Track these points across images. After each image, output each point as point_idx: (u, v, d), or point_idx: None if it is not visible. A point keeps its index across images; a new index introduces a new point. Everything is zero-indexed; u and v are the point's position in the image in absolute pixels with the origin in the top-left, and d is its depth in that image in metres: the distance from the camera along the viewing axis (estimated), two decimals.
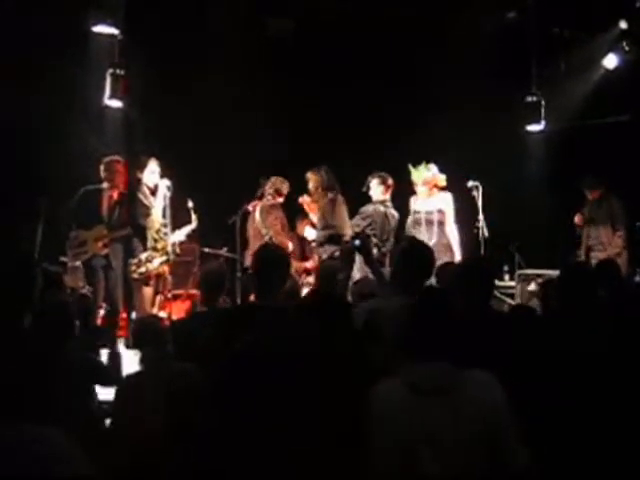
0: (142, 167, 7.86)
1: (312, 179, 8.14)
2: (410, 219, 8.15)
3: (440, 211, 8.07)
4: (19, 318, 3.85)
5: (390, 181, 8.32)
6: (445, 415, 2.97)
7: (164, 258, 7.68)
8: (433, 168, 8.15)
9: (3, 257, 4.71)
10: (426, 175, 8.10)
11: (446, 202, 8.13)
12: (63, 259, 8.20)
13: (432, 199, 8.12)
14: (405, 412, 3.00)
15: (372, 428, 3.05)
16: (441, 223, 8.05)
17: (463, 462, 2.93)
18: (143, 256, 7.68)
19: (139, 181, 7.85)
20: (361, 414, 3.10)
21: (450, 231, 8.10)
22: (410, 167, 8.13)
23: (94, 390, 4.39)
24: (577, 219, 9.18)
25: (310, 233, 8.58)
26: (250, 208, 8.59)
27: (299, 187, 8.63)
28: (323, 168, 8.09)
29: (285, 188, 8.55)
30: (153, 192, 7.90)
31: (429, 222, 8.00)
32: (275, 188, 8.47)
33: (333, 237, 7.83)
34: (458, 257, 7.88)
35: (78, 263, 7.69)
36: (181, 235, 7.99)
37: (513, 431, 2.98)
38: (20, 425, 2.50)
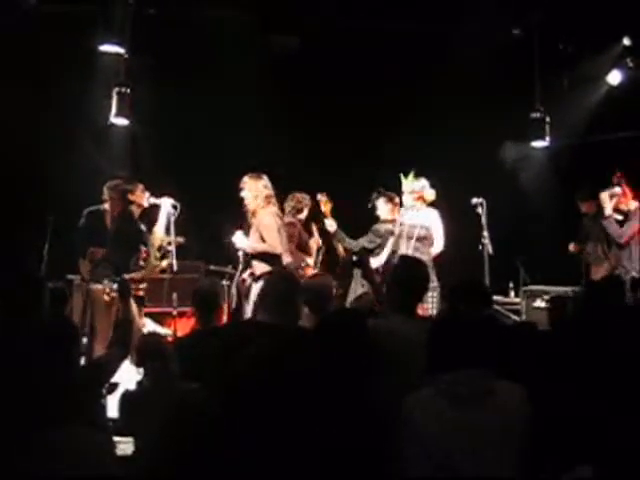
0: (132, 190, 7.78)
1: None
2: (396, 232, 8.03)
3: (423, 227, 7.86)
4: (26, 332, 3.87)
5: (397, 199, 8.34)
6: (476, 422, 3.04)
7: (141, 285, 7.58)
8: (423, 181, 8.06)
9: (11, 274, 4.76)
10: (414, 185, 8.01)
11: (432, 219, 7.96)
12: (70, 277, 8.24)
13: (418, 214, 7.97)
14: (437, 418, 3.07)
15: (404, 434, 3.11)
16: (423, 239, 7.84)
17: (493, 468, 3.00)
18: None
19: (131, 202, 7.80)
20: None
21: (436, 247, 7.98)
22: (401, 176, 8.05)
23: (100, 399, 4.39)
24: (572, 247, 9.11)
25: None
26: None
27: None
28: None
29: (304, 206, 8.45)
30: (144, 211, 7.85)
31: (409, 236, 7.85)
32: (297, 207, 8.42)
33: None
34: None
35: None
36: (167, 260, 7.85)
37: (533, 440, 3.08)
38: (66, 429, 2.58)
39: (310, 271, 8.02)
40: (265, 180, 7.56)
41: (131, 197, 7.69)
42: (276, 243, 7.33)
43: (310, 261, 8.37)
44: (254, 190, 7.49)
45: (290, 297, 4.54)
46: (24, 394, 2.74)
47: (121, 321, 4.60)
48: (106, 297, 7.23)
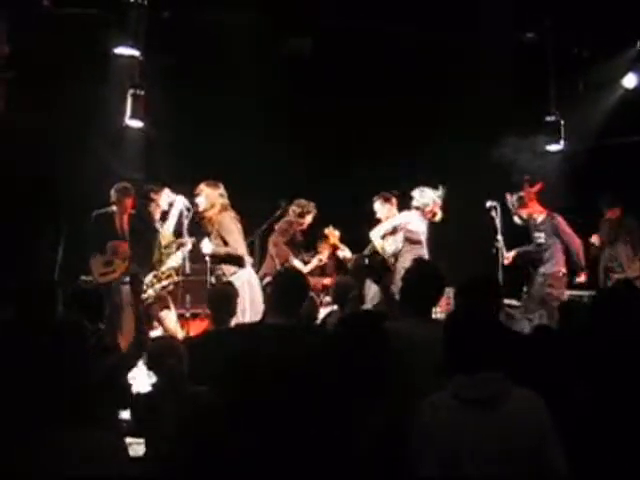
0: (157, 191, 7.95)
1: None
2: (402, 234, 8.11)
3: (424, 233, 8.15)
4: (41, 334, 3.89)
5: (394, 199, 8.43)
6: (489, 426, 3.01)
7: (166, 282, 7.71)
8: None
9: (24, 277, 4.79)
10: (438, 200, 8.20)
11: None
12: (83, 278, 8.27)
13: (424, 222, 8.19)
14: (450, 420, 3.04)
15: (415, 436, 3.09)
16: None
17: (503, 473, 2.97)
18: (147, 280, 7.69)
19: (152, 200, 7.93)
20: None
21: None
22: (441, 186, 8.19)
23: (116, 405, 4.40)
24: (594, 239, 9.08)
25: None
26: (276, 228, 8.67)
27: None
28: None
29: (306, 212, 8.61)
30: (165, 214, 8.00)
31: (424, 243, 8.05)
32: (297, 212, 8.58)
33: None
34: None
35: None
36: (177, 259, 7.93)
37: (555, 448, 3.03)
38: (77, 429, 2.59)
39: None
40: (221, 189, 7.82)
41: (154, 196, 7.84)
42: (238, 245, 7.67)
43: (297, 262, 8.48)
44: (211, 198, 7.73)
45: (299, 295, 4.59)
46: (29, 393, 2.74)
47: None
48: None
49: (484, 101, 9.09)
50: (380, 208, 8.53)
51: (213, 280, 7.69)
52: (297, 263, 8.42)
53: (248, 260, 7.83)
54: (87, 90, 8.48)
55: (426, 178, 8.43)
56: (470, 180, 8.84)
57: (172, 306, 7.84)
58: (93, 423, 2.81)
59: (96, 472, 2.65)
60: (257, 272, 8.55)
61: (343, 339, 3.62)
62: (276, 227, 8.59)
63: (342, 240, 8.75)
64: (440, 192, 8.16)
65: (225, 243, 7.66)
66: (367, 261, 4.93)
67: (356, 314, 4.35)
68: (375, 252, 7.97)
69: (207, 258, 7.73)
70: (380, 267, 4.69)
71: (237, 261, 7.63)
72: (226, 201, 7.79)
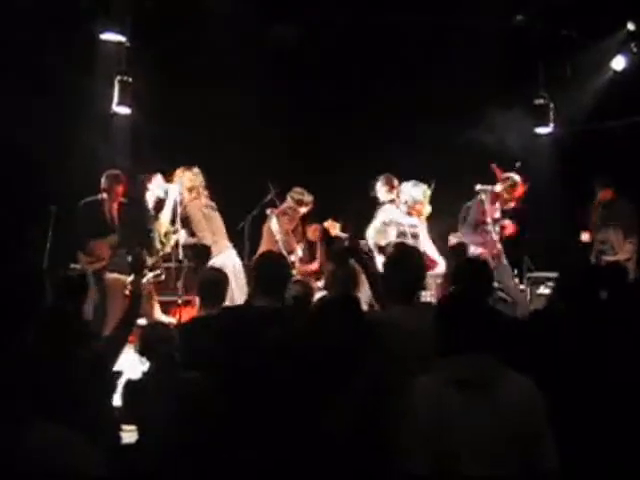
0: (149, 178, 7.96)
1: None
2: (381, 227, 8.11)
3: (414, 225, 8.16)
4: (24, 327, 3.85)
5: (395, 182, 8.39)
6: (481, 408, 2.99)
7: (157, 272, 7.68)
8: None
9: (12, 267, 4.74)
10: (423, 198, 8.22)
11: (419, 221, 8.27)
12: (73, 266, 8.24)
13: (411, 218, 8.22)
14: (440, 401, 3.01)
15: (404, 422, 3.06)
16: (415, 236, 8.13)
17: (495, 458, 2.95)
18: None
19: (147, 189, 7.93)
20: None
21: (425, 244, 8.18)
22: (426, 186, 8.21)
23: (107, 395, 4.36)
24: (585, 237, 8.99)
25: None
26: (269, 212, 8.59)
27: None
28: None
29: (304, 203, 8.60)
30: (160, 202, 7.98)
31: (414, 235, 8.05)
32: (297, 199, 8.55)
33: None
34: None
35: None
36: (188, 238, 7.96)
37: (547, 435, 3.02)
38: (42, 426, 2.54)
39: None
40: (190, 173, 7.94)
41: (148, 184, 7.85)
42: (203, 234, 7.85)
43: (300, 251, 8.50)
44: (186, 183, 7.90)
45: (282, 277, 4.63)
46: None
47: (131, 295, 4.56)
48: (127, 292, 7.31)
49: (473, 84, 9.08)
50: (379, 188, 8.49)
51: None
52: (300, 253, 8.41)
53: (226, 245, 7.90)
54: (74, 77, 8.41)
55: (415, 164, 8.44)
56: (459, 163, 8.82)
57: (155, 296, 7.81)
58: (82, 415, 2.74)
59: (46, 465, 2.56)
60: (249, 256, 8.56)
61: (313, 320, 3.65)
62: (278, 211, 8.49)
63: (344, 230, 8.70)
64: (424, 188, 8.17)
65: (193, 233, 7.81)
66: (346, 245, 4.88)
67: (331, 297, 4.37)
68: (355, 236, 7.95)
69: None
70: (359, 249, 4.65)
71: (206, 251, 7.72)
72: (193, 184, 7.90)
